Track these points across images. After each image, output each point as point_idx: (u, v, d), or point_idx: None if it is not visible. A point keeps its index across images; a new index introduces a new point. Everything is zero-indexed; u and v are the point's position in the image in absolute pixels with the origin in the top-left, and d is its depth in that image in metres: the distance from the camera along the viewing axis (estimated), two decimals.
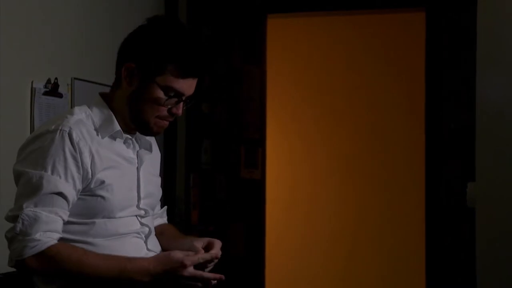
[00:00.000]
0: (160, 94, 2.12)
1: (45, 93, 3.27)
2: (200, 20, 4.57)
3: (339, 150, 5.97)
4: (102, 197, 2.09)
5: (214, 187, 4.62)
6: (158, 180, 2.38)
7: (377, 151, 5.88)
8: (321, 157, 6.00)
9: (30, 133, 3.18)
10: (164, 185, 4.44)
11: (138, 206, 2.21)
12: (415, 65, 5.02)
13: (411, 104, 5.48)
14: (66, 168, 2.02)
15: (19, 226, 1.97)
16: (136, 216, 2.20)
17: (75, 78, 3.51)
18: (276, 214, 5.74)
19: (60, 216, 2.02)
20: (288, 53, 5.99)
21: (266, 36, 4.61)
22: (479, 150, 3.56)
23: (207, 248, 2.22)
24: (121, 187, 2.14)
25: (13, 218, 2.00)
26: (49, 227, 1.99)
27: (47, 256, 1.97)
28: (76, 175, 2.04)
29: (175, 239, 2.34)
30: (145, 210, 2.23)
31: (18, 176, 2.05)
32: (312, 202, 6.01)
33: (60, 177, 2.01)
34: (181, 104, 2.18)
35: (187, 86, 2.16)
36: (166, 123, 2.20)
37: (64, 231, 2.06)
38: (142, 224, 2.21)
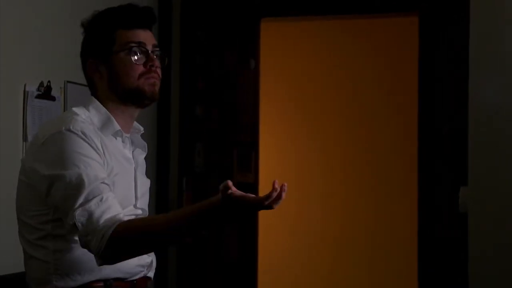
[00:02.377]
0: (125, 57, 2.17)
1: (38, 96, 3.26)
2: (194, 24, 4.56)
3: (332, 153, 5.97)
4: None
5: (207, 191, 4.62)
6: (148, 181, 2.39)
7: (370, 155, 5.88)
8: (314, 161, 6.01)
9: (23, 136, 3.17)
10: (157, 189, 4.47)
11: (135, 206, 2.23)
12: (408, 69, 5.02)
13: (404, 108, 5.49)
14: (93, 159, 2.04)
15: (81, 229, 1.97)
16: (134, 215, 2.20)
17: (68, 81, 3.50)
18: (268, 217, 5.73)
19: (112, 197, 2.02)
20: (281, 57, 5.99)
21: (260, 40, 4.61)
22: (472, 155, 3.56)
23: None
24: (122, 186, 2.16)
25: (72, 227, 1.99)
26: (107, 212, 1.98)
27: (118, 237, 1.94)
28: (102, 162, 2.07)
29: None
30: (142, 210, 2.26)
31: (52, 182, 2.03)
32: (304, 205, 6.01)
33: (94, 168, 2.03)
34: (151, 55, 2.20)
35: (142, 36, 2.20)
36: (153, 79, 2.21)
37: (60, 231, 2.07)
38: None
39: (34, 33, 3.31)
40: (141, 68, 2.18)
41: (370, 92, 5.86)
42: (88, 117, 2.16)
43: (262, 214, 4.80)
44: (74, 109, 2.18)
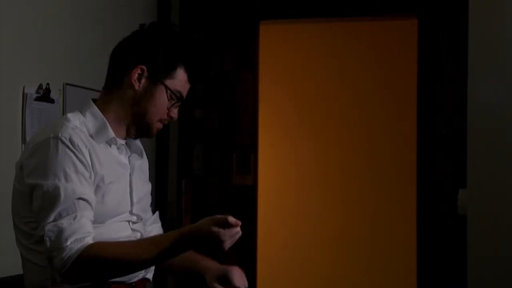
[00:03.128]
0: (165, 96, 2.18)
1: (37, 99, 3.26)
2: (193, 26, 4.56)
3: (331, 155, 5.97)
4: (98, 201, 2.09)
5: (207, 193, 4.62)
6: (149, 186, 2.38)
7: (369, 156, 5.88)
8: (314, 163, 6.00)
9: (22, 138, 3.17)
10: (156, 191, 4.46)
11: (131, 212, 2.22)
12: (407, 72, 5.02)
13: (403, 110, 5.49)
14: (77, 172, 2.03)
15: (48, 243, 1.98)
16: (128, 221, 2.21)
17: (67, 84, 3.50)
18: (267, 219, 5.74)
19: (86, 217, 2.01)
20: (280, 59, 5.99)
21: (259, 42, 4.61)
22: (471, 157, 3.56)
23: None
24: (116, 192, 2.15)
25: (41, 238, 2.00)
26: (77, 232, 1.98)
27: (85, 258, 1.96)
28: (87, 175, 2.05)
29: (197, 263, 2.37)
30: (138, 216, 2.25)
31: (31, 190, 2.04)
32: (303, 208, 6.00)
33: (74, 182, 2.01)
34: (178, 108, 2.24)
35: (187, 90, 2.24)
36: (162, 125, 2.25)
37: None
38: (133, 230, 2.22)
39: (33, 35, 3.31)
40: (165, 113, 2.21)
41: (370, 94, 5.86)
42: (83, 123, 2.15)
43: (262, 216, 4.82)
44: (69, 115, 2.17)
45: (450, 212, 4.05)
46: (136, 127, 2.21)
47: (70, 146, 2.04)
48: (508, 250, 3.47)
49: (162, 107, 2.19)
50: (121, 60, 2.20)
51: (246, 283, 2.28)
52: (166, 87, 2.17)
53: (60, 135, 2.05)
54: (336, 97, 5.96)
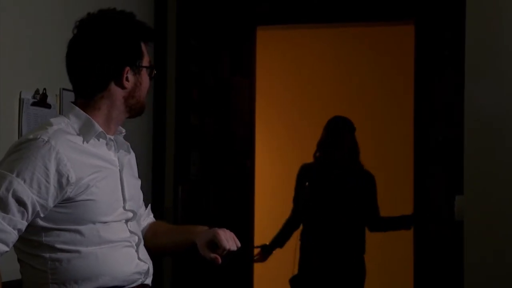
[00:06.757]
0: (146, 74, 2.24)
1: (34, 104, 3.25)
2: (189, 31, 4.57)
3: None
4: (90, 200, 2.09)
5: (203, 199, 4.61)
6: (138, 182, 2.38)
7: (365, 163, 5.88)
8: None
9: None
10: (153, 197, 4.46)
11: (124, 208, 2.21)
12: (404, 78, 5.04)
13: (400, 116, 5.50)
14: (33, 174, 2.02)
15: None
16: (124, 220, 2.20)
17: (63, 89, 3.49)
18: (264, 224, 5.73)
19: (14, 226, 2.02)
20: (277, 65, 6.00)
21: (256, 48, 4.61)
22: (467, 163, 3.57)
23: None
24: (107, 189, 2.15)
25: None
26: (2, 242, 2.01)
27: None
28: (43, 184, 2.03)
29: (187, 233, 2.38)
30: (132, 212, 2.24)
31: None
32: None
33: (24, 181, 2.01)
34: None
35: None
36: None
37: (55, 240, 2.07)
38: (131, 232, 2.22)
39: (29, 40, 3.30)
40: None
41: (367, 98, 5.87)
42: (68, 124, 2.15)
43: (258, 220, 4.82)
44: (51, 119, 2.17)
45: (447, 218, 4.05)
46: (134, 112, 2.26)
47: (43, 150, 2.03)
48: (505, 256, 3.47)
49: (148, 84, 2.26)
50: (99, 68, 2.19)
51: (238, 243, 2.27)
52: (146, 67, 2.23)
53: (38, 137, 2.05)
54: (333, 102, 5.97)
